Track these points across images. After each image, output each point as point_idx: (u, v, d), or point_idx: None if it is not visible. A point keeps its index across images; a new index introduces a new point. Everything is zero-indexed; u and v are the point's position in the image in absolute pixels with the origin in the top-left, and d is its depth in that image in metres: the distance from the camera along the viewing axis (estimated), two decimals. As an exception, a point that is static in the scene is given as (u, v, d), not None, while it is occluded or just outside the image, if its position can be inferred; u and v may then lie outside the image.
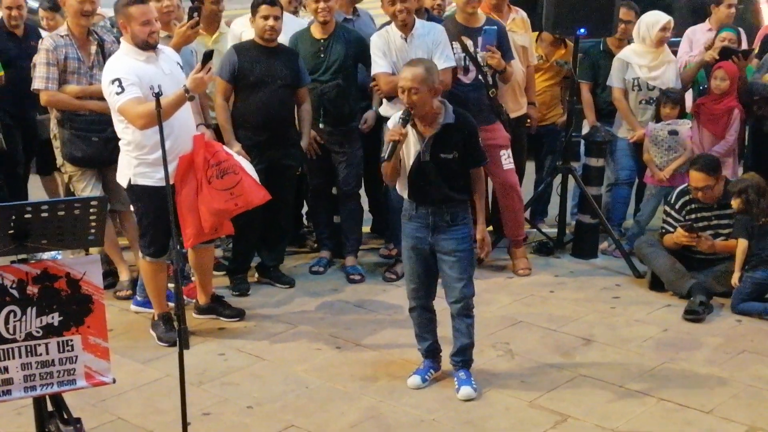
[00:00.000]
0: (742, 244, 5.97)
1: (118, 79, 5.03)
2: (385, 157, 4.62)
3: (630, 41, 7.20)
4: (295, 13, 6.98)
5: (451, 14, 6.69)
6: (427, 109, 4.62)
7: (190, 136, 5.34)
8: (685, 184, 6.40)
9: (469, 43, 6.36)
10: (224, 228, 5.56)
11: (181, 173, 5.27)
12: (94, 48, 5.92)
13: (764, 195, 5.97)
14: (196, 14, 5.78)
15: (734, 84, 6.82)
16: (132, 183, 5.29)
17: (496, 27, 6.41)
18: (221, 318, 5.82)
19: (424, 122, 4.66)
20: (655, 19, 6.91)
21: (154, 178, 5.17)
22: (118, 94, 5.03)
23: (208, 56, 4.97)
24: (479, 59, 6.37)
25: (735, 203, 5.99)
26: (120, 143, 5.31)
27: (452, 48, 6.29)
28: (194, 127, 5.49)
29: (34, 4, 8.06)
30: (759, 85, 6.83)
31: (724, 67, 6.81)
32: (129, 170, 5.28)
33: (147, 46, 5.17)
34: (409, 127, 4.63)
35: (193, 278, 6.09)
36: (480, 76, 6.42)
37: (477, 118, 6.27)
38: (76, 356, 3.72)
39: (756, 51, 7.32)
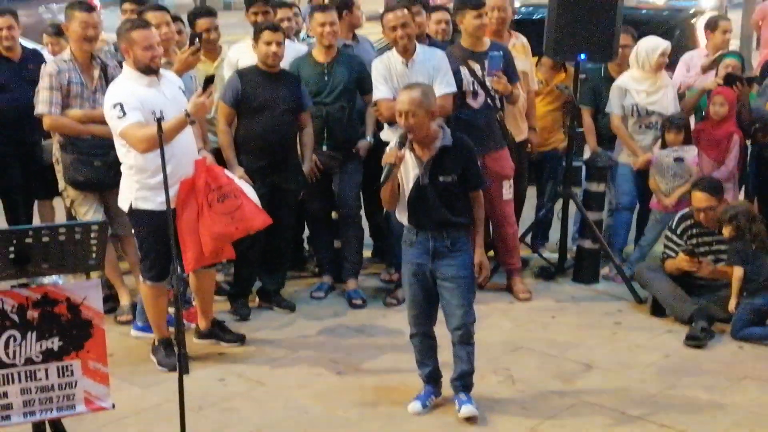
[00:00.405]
0: (737, 272, 5.95)
1: (120, 104, 5.06)
2: (381, 180, 4.63)
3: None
4: (289, 37, 7.00)
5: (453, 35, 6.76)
6: (425, 133, 4.63)
7: (192, 160, 5.35)
8: (687, 209, 6.41)
9: (476, 67, 6.39)
10: (225, 252, 5.57)
11: (183, 197, 5.28)
12: (97, 72, 5.95)
13: (755, 221, 5.98)
14: (197, 40, 5.82)
15: (733, 109, 6.84)
16: (133, 207, 5.30)
17: (501, 52, 6.44)
18: (222, 343, 5.81)
19: (422, 146, 4.67)
20: (655, 44, 6.93)
21: (155, 201, 5.18)
22: (119, 118, 5.06)
23: (209, 81, 5.00)
24: (487, 83, 6.40)
25: (726, 230, 5.99)
26: (122, 167, 5.32)
27: (460, 73, 6.33)
28: (196, 152, 5.50)
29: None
30: (762, 111, 6.84)
31: (722, 92, 6.83)
32: (131, 194, 5.29)
33: (149, 70, 5.19)
34: (407, 151, 4.65)
35: (194, 302, 6.08)
36: (489, 100, 6.45)
37: (487, 142, 6.36)
38: (76, 381, 3.72)
39: (758, 77, 7.33)
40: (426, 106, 4.58)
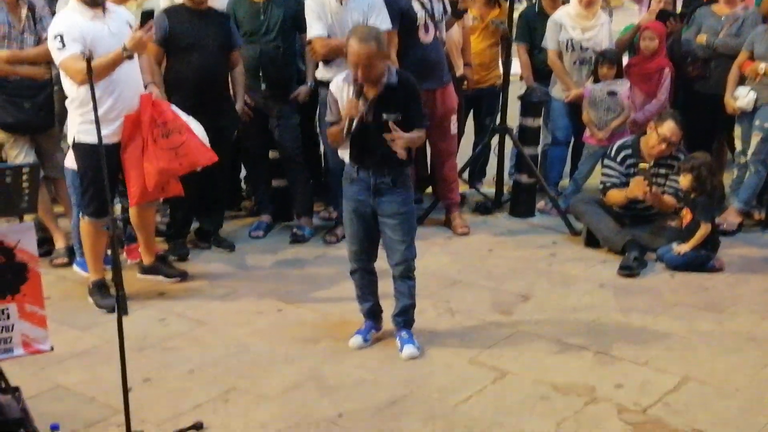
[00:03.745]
0: (705, 228, 5.94)
1: (60, 35, 5.01)
2: (345, 134, 4.58)
3: (565, 1, 7.29)
4: None
5: None
6: (378, 76, 4.59)
7: (137, 94, 5.32)
8: (625, 139, 6.48)
9: (425, 0, 6.37)
10: (172, 188, 5.56)
11: (128, 132, 5.27)
12: (24, 12, 5.81)
13: (715, 174, 6.03)
14: None
15: (663, 43, 6.93)
16: (76, 140, 5.25)
17: None
18: (164, 278, 5.81)
19: (369, 84, 4.63)
20: None
21: (94, 135, 5.10)
22: (59, 49, 5.01)
23: (147, 16, 4.93)
24: (436, 15, 6.38)
25: (685, 180, 5.99)
26: (66, 101, 5.26)
27: (413, 8, 6.31)
28: (142, 86, 5.45)
29: None
30: (691, 44, 6.94)
31: (651, 27, 6.91)
32: (74, 128, 5.25)
33: (94, 3, 5.12)
34: (351, 89, 4.60)
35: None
36: (438, 33, 6.44)
37: (440, 76, 6.45)
38: (13, 325, 3.68)
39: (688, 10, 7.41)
40: (382, 54, 4.52)
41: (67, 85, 5.19)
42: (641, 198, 6.15)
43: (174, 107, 5.57)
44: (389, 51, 4.64)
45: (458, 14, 6.58)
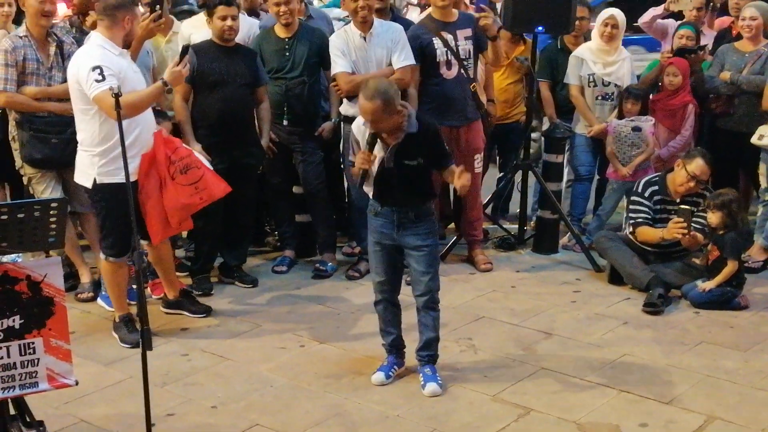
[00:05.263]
0: (732, 265, 5.90)
1: (100, 67, 4.96)
2: (357, 185, 4.64)
3: (586, 38, 7.31)
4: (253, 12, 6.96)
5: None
6: (391, 126, 4.62)
7: (152, 131, 5.36)
8: (651, 175, 6.47)
9: (449, 38, 6.41)
10: (185, 223, 5.60)
11: (144, 170, 5.30)
12: (53, 49, 5.88)
13: (743, 209, 6.03)
14: (158, 7, 5.74)
15: (687, 79, 6.93)
16: (98, 182, 5.21)
17: None
18: (187, 314, 5.82)
19: (389, 133, 4.66)
20: (602, 14, 7.05)
21: (119, 175, 5.09)
22: (98, 81, 4.93)
23: (185, 51, 5.06)
24: (461, 53, 6.42)
25: (715, 217, 5.95)
26: (81, 139, 5.24)
27: (433, 44, 6.36)
28: (155, 123, 5.49)
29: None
30: (714, 81, 6.94)
31: (675, 63, 6.92)
32: (92, 170, 5.21)
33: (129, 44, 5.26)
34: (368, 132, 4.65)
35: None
36: (462, 70, 6.47)
37: (462, 114, 6.47)
38: (38, 359, 3.70)
39: (710, 46, 7.41)
40: (389, 111, 4.53)
41: (86, 122, 5.15)
42: (680, 240, 6.09)
43: (183, 143, 5.63)
44: (400, 107, 4.60)
45: (491, 38, 6.56)
